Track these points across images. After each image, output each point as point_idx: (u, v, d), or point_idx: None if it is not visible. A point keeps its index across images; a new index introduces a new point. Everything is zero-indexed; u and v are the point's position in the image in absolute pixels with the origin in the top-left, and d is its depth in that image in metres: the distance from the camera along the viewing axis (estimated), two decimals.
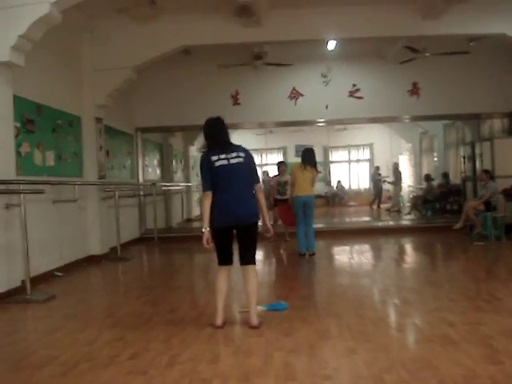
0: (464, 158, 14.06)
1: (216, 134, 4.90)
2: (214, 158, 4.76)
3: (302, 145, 22.75)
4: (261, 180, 5.13)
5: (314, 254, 9.16)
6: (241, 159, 4.81)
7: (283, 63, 11.78)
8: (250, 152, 5.02)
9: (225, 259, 4.90)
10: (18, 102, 7.10)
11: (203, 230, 4.68)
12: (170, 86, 13.03)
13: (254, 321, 4.77)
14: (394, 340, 4.29)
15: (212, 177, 4.73)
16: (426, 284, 6.71)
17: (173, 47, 9.98)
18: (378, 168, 21.19)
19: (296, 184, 9.17)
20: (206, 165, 4.78)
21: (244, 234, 4.86)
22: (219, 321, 4.80)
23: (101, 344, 4.42)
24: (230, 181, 4.73)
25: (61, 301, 6.33)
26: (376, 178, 20.77)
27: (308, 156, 9.28)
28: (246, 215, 4.76)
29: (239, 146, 4.98)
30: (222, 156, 4.77)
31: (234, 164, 4.77)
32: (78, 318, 5.46)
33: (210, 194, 4.72)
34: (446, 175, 15.42)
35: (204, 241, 4.66)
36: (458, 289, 6.22)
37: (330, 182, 25.00)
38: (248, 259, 4.88)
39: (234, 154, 4.81)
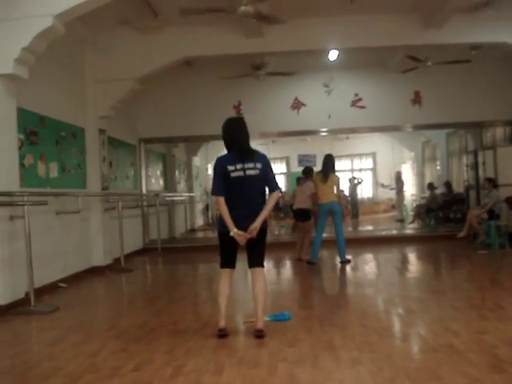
0: (467, 166, 14.05)
1: (235, 139, 4.86)
2: (231, 167, 4.71)
3: (305, 154, 22.79)
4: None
5: (346, 262, 9.22)
6: (257, 171, 4.75)
7: (285, 72, 11.76)
8: (268, 159, 4.93)
9: (227, 262, 4.91)
10: (22, 114, 7.13)
11: (233, 233, 4.65)
12: (172, 97, 13.09)
13: (260, 324, 4.72)
14: (398, 350, 4.27)
15: (225, 184, 4.72)
16: (430, 293, 6.69)
17: (175, 58, 10.02)
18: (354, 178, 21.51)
19: (319, 192, 9.23)
20: (221, 172, 4.75)
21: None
22: (222, 322, 4.78)
23: (105, 355, 4.42)
24: (242, 192, 4.73)
25: (65, 312, 6.33)
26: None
27: (328, 162, 9.34)
28: (253, 221, 4.70)
29: (258, 153, 4.88)
30: (239, 166, 4.71)
31: (249, 175, 4.72)
32: (82, 330, 5.46)
33: (223, 199, 4.71)
34: (448, 184, 15.38)
35: (240, 239, 4.67)
36: (462, 298, 6.20)
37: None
38: (255, 261, 4.86)
39: (251, 165, 4.74)
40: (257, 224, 4.69)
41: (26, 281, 6.51)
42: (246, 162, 4.74)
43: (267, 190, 4.92)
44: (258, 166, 4.78)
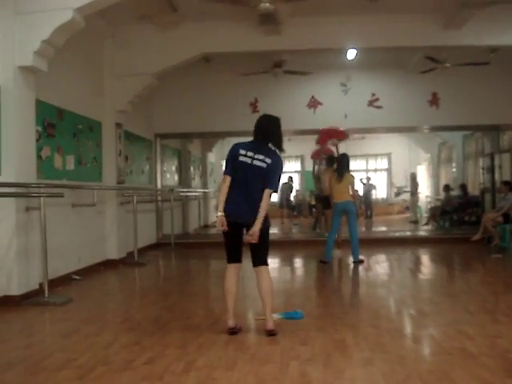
0: (483, 169, 13.96)
1: (260, 131, 4.91)
2: (242, 151, 4.78)
3: None
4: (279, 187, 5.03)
5: (359, 262, 9.20)
6: (264, 164, 4.72)
7: (303, 71, 11.75)
8: (280, 160, 4.86)
9: (232, 256, 4.89)
10: (40, 106, 7.18)
11: (217, 214, 4.68)
12: (189, 92, 13.10)
13: (270, 324, 4.72)
14: (410, 352, 4.25)
15: (233, 166, 4.77)
16: (443, 295, 6.64)
17: (193, 54, 10.04)
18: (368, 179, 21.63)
19: (333, 191, 9.24)
20: (232, 153, 4.82)
21: None
22: (230, 322, 4.78)
23: (117, 348, 4.44)
24: (246, 180, 4.72)
25: (78, 304, 6.38)
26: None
27: (343, 162, 9.35)
28: (254, 216, 4.66)
29: (271, 150, 4.85)
30: (250, 154, 4.76)
31: (255, 166, 4.73)
32: (95, 322, 5.49)
33: (228, 178, 4.74)
34: (464, 186, 15.26)
35: (219, 224, 4.67)
36: (475, 301, 6.15)
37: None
38: (259, 260, 4.84)
39: (261, 157, 4.74)
40: (256, 228, 4.63)
41: (40, 272, 6.58)
42: (257, 153, 4.77)
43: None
44: (268, 160, 4.75)
